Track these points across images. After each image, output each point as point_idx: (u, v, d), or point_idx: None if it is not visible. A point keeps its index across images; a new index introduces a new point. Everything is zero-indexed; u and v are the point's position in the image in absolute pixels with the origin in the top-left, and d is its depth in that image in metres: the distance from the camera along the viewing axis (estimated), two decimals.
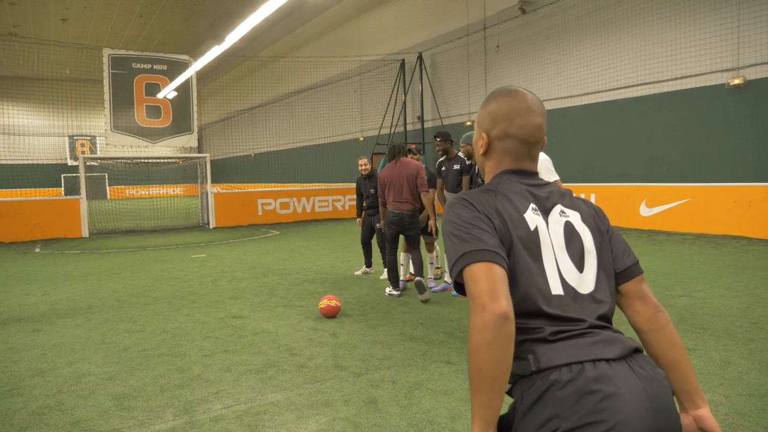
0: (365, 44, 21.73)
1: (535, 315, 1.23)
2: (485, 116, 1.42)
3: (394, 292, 6.43)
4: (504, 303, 1.13)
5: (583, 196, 13.00)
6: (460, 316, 5.49)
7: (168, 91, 16.10)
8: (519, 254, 1.26)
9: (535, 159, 1.42)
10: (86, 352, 4.65)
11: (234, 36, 17.94)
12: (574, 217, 1.36)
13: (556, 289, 1.26)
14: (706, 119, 11.25)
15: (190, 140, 16.34)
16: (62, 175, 36.78)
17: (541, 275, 1.26)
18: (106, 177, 32.89)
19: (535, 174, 1.41)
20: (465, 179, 6.14)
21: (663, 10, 11.94)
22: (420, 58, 19.00)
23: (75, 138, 37.50)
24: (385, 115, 19.74)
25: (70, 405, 3.55)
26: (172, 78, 15.95)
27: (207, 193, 16.11)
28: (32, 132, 29.89)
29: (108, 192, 32.77)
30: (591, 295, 1.29)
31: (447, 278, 6.66)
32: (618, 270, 1.39)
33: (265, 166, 27.46)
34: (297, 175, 24.24)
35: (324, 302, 5.56)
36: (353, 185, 18.47)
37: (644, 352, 1.27)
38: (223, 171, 29.82)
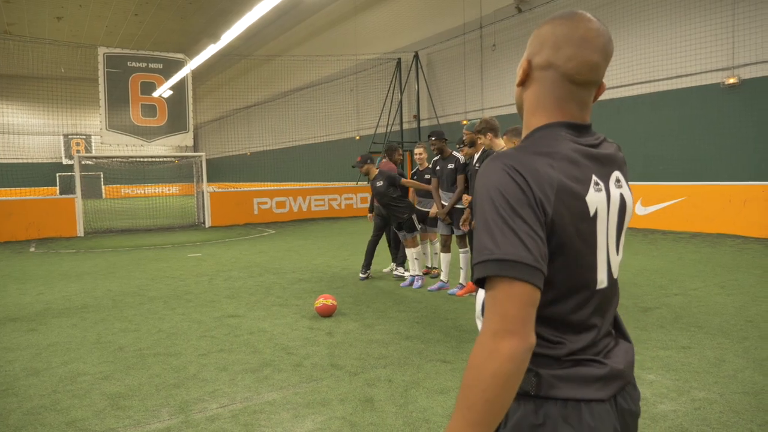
0: (361, 43, 21.71)
1: (574, 315, 1.09)
2: (534, 39, 1.15)
3: (362, 275, 7.32)
4: (533, 336, 0.98)
5: None
6: (456, 315, 5.50)
7: (163, 90, 16.05)
8: (570, 246, 1.05)
9: (585, 107, 1.13)
10: (81, 352, 4.64)
11: (230, 35, 17.90)
12: (625, 185, 1.17)
13: (602, 282, 1.11)
14: (702, 118, 11.28)
15: (186, 139, 16.30)
16: (57, 174, 36.64)
17: (590, 265, 1.09)
18: (102, 176, 32.78)
19: (589, 127, 1.14)
20: (460, 178, 6.15)
21: (658, 10, 11.97)
22: (416, 57, 19.00)
23: (70, 137, 37.37)
24: (381, 114, 19.74)
25: (66, 405, 3.54)
26: (167, 77, 15.90)
27: (203, 192, 16.08)
28: (27, 131, 29.78)
29: (103, 191, 32.63)
30: (617, 278, 1.17)
31: (443, 277, 6.66)
32: None
33: (261, 165, 27.42)
34: (293, 174, 24.22)
35: (320, 301, 5.56)
36: (350, 184, 18.46)
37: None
38: (219, 170, 29.77)
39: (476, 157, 5.79)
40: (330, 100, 22.93)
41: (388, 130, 19.52)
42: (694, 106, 11.40)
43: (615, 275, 1.16)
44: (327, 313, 5.52)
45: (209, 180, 16.68)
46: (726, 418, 3.08)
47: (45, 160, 34.93)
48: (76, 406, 3.51)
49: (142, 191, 35.20)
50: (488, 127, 5.33)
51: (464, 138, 6.03)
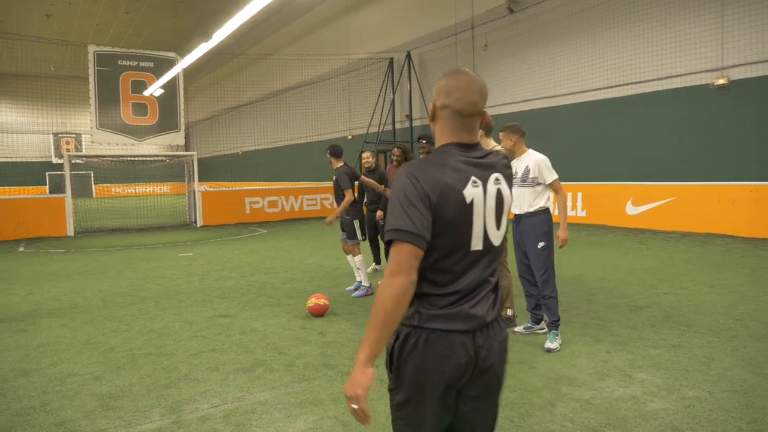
0: (354, 42, 21.69)
1: (449, 270, 1.62)
2: (435, 89, 1.71)
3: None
4: (414, 276, 1.55)
5: (570, 195, 13.13)
6: None
7: (155, 89, 15.95)
8: (450, 225, 1.59)
9: (472, 131, 1.68)
10: (71, 352, 4.61)
11: (221, 33, 17.82)
12: (503, 183, 1.70)
13: (476, 245, 1.64)
14: (691, 119, 11.37)
15: (177, 138, 16.21)
16: (47, 173, 36.32)
17: (466, 237, 1.63)
18: (92, 175, 32.53)
19: (475, 145, 1.68)
20: None
21: (649, 11, 12.05)
22: (408, 56, 19.01)
23: (60, 135, 37.06)
24: (373, 113, 19.73)
25: (55, 405, 3.52)
26: (158, 75, 15.80)
27: (194, 192, 16.01)
28: (16, 129, 29.48)
29: (94, 190, 32.38)
30: (500, 245, 1.71)
31: None
32: None
33: (253, 165, 27.32)
34: (285, 174, 24.16)
35: (312, 301, 5.55)
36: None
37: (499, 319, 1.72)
38: (211, 169, 29.62)
39: None
40: (322, 99, 22.88)
41: (380, 130, 19.52)
42: (684, 106, 11.48)
43: (495, 243, 1.69)
44: (319, 313, 5.51)
45: (201, 179, 16.60)
46: (715, 416, 3.11)
47: (34, 159, 34.59)
48: (66, 407, 3.49)
49: (133, 190, 34.95)
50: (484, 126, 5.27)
51: None
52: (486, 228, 1.65)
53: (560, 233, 4.55)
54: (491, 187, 1.65)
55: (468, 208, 1.60)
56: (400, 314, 1.54)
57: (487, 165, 1.68)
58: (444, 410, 1.65)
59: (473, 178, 1.62)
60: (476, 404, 1.69)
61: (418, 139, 6.51)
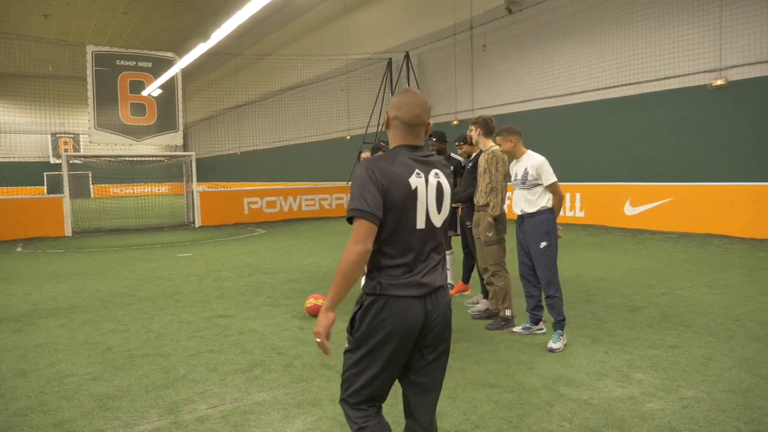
0: (352, 43, 21.69)
1: (398, 247, 2.02)
2: (390, 104, 2.15)
3: None
4: (370, 245, 1.95)
5: (568, 195, 13.13)
6: None
7: (153, 89, 15.93)
8: (398, 209, 1.99)
9: (418, 136, 2.12)
10: (69, 353, 4.60)
11: (220, 33, 17.81)
12: (442, 177, 2.12)
13: (420, 224, 2.04)
14: (690, 119, 11.39)
15: (176, 138, 16.19)
16: (45, 174, 36.26)
17: (412, 216, 2.02)
18: (90, 175, 32.46)
19: (420, 147, 2.12)
20: (457, 180, 6.15)
21: (647, 12, 12.07)
22: (407, 57, 19.01)
23: (58, 136, 37.00)
24: (372, 114, 19.73)
25: (53, 406, 3.51)
26: (157, 75, 15.78)
27: (192, 192, 15.99)
28: (14, 129, 29.42)
29: (92, 190, 32.34)
30: (441, 227, 2.12)
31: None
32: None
33: (252, 165, 27.30)
34: (283, 174, 24.15)
35: (310, 301, 5.55)
36: (340, 184, 18.43)
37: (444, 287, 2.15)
38: (209, 169, 29.57)
39: (471, 156, 5.78)
40: (321, 99, 22.88)
41: (379, 130, 19.52)
42: (682, 107, 11.50)
43: (436, 224, 2.09)
44: (317, 313, 5.50)
45: (199, 179, 16.59)
46: (713, 416, 3.11)
47: (32, 159, 34.55)
48: (64, 408, 3.48)
49: (131, 191, 34.90)
50: (479, 121, 5.23)
51: (467, 135, 5.98)
52: (428, 211, 2.05)
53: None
54: (432, 179, 2.07)
55: (413, 194, 2.01)
56: (356, 275, 1.95)
57: (428, 162, 2.11)
58: (398, 358, 2.05)
59: (417, 170, 2.04)
60: (430, 354, 2.11)
61: (429, 136, 6.41)
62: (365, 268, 2.05)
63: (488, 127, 5.21)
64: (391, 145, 2.14)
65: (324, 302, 2.03)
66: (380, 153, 7.20)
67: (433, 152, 2.22)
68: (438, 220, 2.09)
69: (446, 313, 2.13)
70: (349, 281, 1.96)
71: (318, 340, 2.05)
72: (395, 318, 2.00)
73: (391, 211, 1.99)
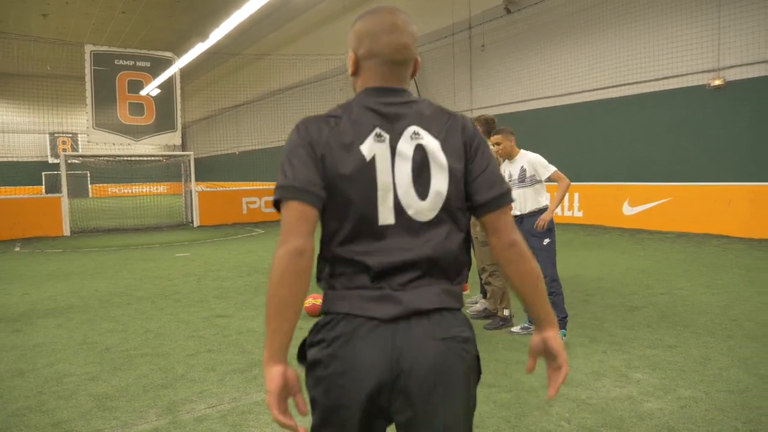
0: None
1: (354, 243, 1.28)
2: (352, 35, 1.39)
3: None
4: (304, 240, 1.21)
5: (567, 195, 13.16)
6: None
7: (151, 89, 15.92)
8: (341, 189, 1.26)
9: (404, 78, 1.38)
10: (67, 353, 4.59)
11: (218, 33, 17.80)
12: (428, 138, 1.30)
13: (387, 219, 1.27)
14: (688, 119, 11.40)
15: (174, 138, 16.18)
16: (43, 173, 36.21)
17: (368, 205, 1.26)
18: (88, 175, 32.42)
19: (399, 91, 1.35)
20: None
21: (645, 12, 12.08)
22: None
23: (56, 135, 36.94)
24: None
25: (51, 406, 3.51)
26: (155, 75, 15.77)
27: (191, 192, 15.98)
28: (12, 129, 29.34)
29: (90, 190, 32.30)
30: (429, 224, 1.30)
31: None
32: (478, 202, 1.33)
33: (250, 165, 27.28)
34: None
35: (309, 301, 5.55)
36: None
37: (442, 312, 1.29)
38: (208, 169, 29.56)
39: None
40: (319, 99, 22.85)
41: None
42: (680, 107, 11.51)
43: (419, 218, 1.29)
44: (316, 313, 5.50)
45: (197, 179, 16.57)
46: (711, 416, 3.12)
47: (30, 159, 34.45)
48: (62, 408, 3.48)
49: (130, 190, 34.83)
50: (479, 120, 5.29)
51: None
52: (398, 196, 1.27)
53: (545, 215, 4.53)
54: (405, 144, 1.28)
55: (369, 167, 1.26)
56: (290, 292, 1.21)
57: (403, 115, 1.31)
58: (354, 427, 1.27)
59: (377, 129, 1.28)
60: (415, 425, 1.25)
61: None
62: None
63: (488, 126, 5.26)
64: (359, 88, 1.40)
65: (265, 349, 1.25)
66: None
67: (414, 99, 1.37)
68: (423, 212, 1.28)
69: (441, 356, 1.25)
70: (282, 305, 1.21)
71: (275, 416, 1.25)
72: (345, 358, 1.23)
73: (334, 190, 1.26)
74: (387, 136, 1.28)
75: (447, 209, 1.30)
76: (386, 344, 1.22)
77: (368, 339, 1.23)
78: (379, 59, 1.34)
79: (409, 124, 1.30)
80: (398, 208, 1.28)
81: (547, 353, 1.40)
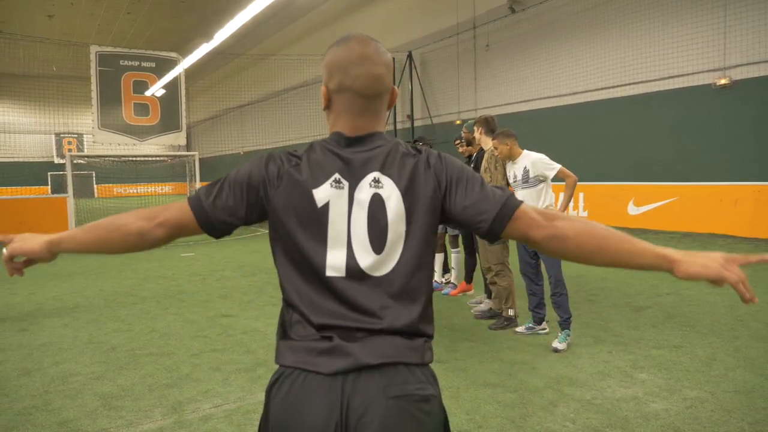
0: None
1: (302, 296, 1.23)
2: (323, 68, 1.30)
3: None
4: (155, 227, 1.28)
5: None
6: (449, 314, 5.51)
7: (156, 89, 15.96)
8: (290, 229, 1.22)
9: (377, 114, 1.28)
10: (73, 352, 4.61)
11: (223, 34, 17.84)
12: (390, 187, 1.21)
13: (338, 270, 1.20)
14: (693, 119, 11.35)
15: (179, 138, 16.22)
16: (49, 173, 36.34)
17: (317, 253, 1.21)
18: (94, 175, 32.55)
19: (368, 138, 1.26)
20: None
21: (651, 11, 12.04)
22: (410, 56, 19.00)
23: (62, 136, 37.07)
24: None
25: (57, 405, 3.52)
26: (160, 75, 15.81)
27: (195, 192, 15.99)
28: (18, 129, 29.50)
29: (95, 190, 32.44)
30: (387, 276, 1.20)
31: (437, 277, 6.67)
32: (483, 231, 1.23)
33: None
34: None
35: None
36: None
37: (398, 366, 1.18)
38: (212, 169, 29.62)
39: (473, 156, 5.79)
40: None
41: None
42: (686, 106, 11.46)
43: (373, 272, 1.20)
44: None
45: (202, 179, 16.61)
46: (717, 416, 3.11)
47: (36, 159, 34.63)
48: (68, 407, 3.49)
49: (135, 190, 35.00)
50: (480, 120, 5.30)
51: (462, 136, 6.05)
52: (352, 246, 1.20)
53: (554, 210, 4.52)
54: (363, 192, 1.21)
55: (317, 214, 1.20)
56: (113, 239, 1.28)
57: (365, 162, 1.22)
58: None
59: (336, 175, 1.21)
60: None
61: (414, 141, 6.50)
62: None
63: (489, 126, 5.27)
64: (332, 128, 1.32)
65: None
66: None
67: (379, 144, 1.27)
68: (376, 266, 1.20)
69: (393, 414, 1.13)
70: (102, 239, 1.28)
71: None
72: (285, 407, 1.17)
73: (278, 230, 1.25)
74: (346, 183, 1.21)
75: (398, 270, 1.21)
76: (334, 401, 1.13)
77: (314, 395, 1.14)
78: (351, 93, 1.24)
79: (372, 171, 1.22)
80: (351, 260, 1.20)
81: (697, 272, 1.22)
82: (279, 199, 1.23)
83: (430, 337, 1.25)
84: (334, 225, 1.20)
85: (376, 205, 1.21)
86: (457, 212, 1.23)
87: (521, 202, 1.24)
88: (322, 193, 1.20)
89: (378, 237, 1.20)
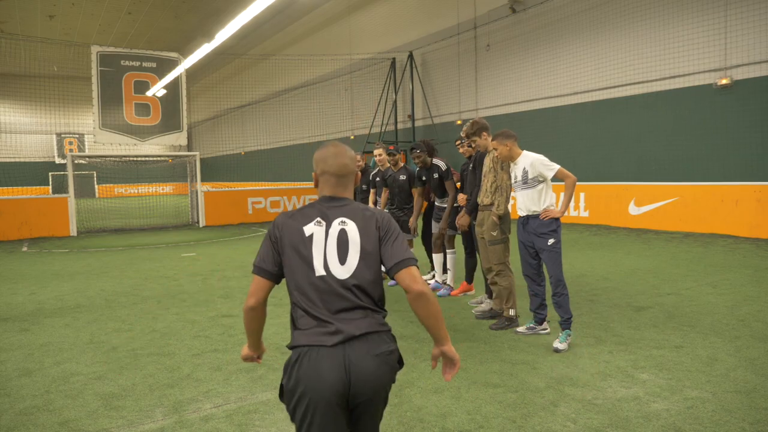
0: (356, 43, 21.71)
1: (302, 293, 1.91)
2: (314, 161, 2.09)
3: None
4: (252, 300, 1.98)
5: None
6: (450, 315, 5.51)
7: (157, 89, 15.98)
8: (290, 254, 1.95)
9: (346, 186, 2.06)
10: (74, 352, 4.62)
11: (224, 34, 17.80)
12: (350, 226, 1.96)
13: (320, 271, 1.90)
14: (694, 119, 11.35)
15: (180, 138, 16.24)
16: (50, 173, 36.41)
17: (310, 263, 1.92)
18: (95, 175, 32.62)
19: (340, 199, 2.03)
20: (448, 184, 6.24)
21: (652, 11, 12.03)
22: (411, 56, 19.01)
23: (63, 136, 37.16)
24: (375, 113, 19.74)
25: (58, 405, 3.53)
26: (161, 76, 15.83)
27: (197, 192, 16.03)
28: (19, 129, 29.59)
29: (96, 190, 32.46)
30: (348, 279, 1.91)
31: (437, 277, 6.67)
32: (387, 267, 1.94)
33: (256, 165, 27.36)
34: (287, 174, 24.18)
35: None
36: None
37: (370, 335, 1.87)
38: (213, 169, 29.67)
39: (472, 157, 5.79)
40: (324, 99, 22.90)
41: (383, 130, 19.52)
42: (687, 106, 11.46)
43: (339, 276, 1.90)
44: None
45: (203, 179, 16.63)
46: (718, 416, 3.10)
47: (37, 159, 34.70)
48: (69, 407, 3.50)
49: (136, 190, 35.05)
50: (481, 126, 5.33)
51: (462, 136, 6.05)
52: (327, 259, 1.92)
53: (554, 209, 4.52)
54: (335, 227, 1.95)
55: (306, 240, 1.94)
56: (250, 326, 2.07)
57: (337, 211, 2.00)
58: (326, 423, 1.81)
59: (318, 218, 1.97)
60: (361, 411, 1.89)
61: (411, 149, 6.50)
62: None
63: (486, 127, 5.29)
64: (319, 195, 2.09)
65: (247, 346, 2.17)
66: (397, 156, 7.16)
67: (346, 203, 2.06)
68: (343, 272, 1.90)
69: (377, 364, 1.85)
70: (248, 330, 2.09)
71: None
72: (307, 372, 1.80)
73: (284, 254, 1.96)
74: (324, 223, 1.96)
75: (357, 271, 1.92)
76: (339, 362, 1.81)
77: (326, 361, 1.81)
78: (328, 174, 2.04)
79: (340, 216, 1.98)
80: (326, 268, 1.91)
81: (445, 358, 2.00)
82: (284, 235, 1.98)
83: (386, 311, 2.00)
84: (317, 244, 1.93)
85: (341, 234, 1.95)
86: (382, 249, 1.96)
87: (414, 261, 1.93)
88: (308, 229, 1.96)
89: (342, 251, 1.93)
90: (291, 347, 1.88)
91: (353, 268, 1.92)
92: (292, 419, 1.87)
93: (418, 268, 1.94)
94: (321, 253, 1.92)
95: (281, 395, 1.91)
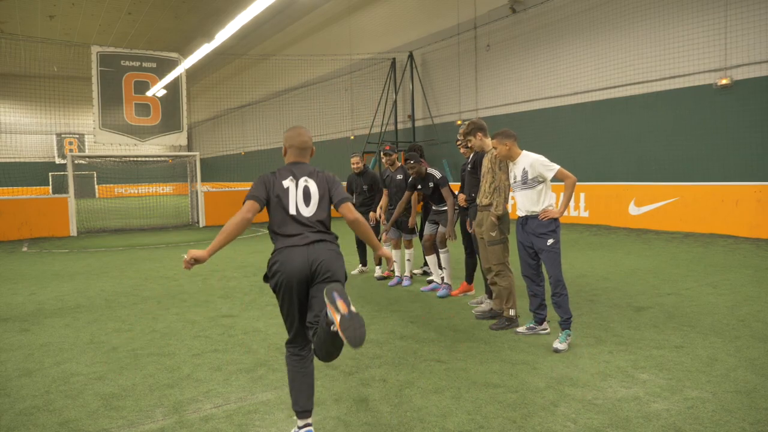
0: (356, 43, 21.71)
1: (282, 224, 2.91)
2: (284, 138, 3.13)
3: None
4: (249, 215, 2.86)
5: (572, 195, 13.12)
6: (450, 314, 5.51)
7: (157, 89, 15.98)
8: (276, 199, 2.93)
9: (305, 155, 3.10)
10: (74, 352, 4.62)
11: (224, 34, 17.81)
12: (311, 183, 2.99)
13: (293, 211, 2.91)
14: (694, 119, 11.35)
15: (180, 138, 16.24)
16: (50, 174, 36.41)
17: (286, 207, 2.92)
18: (95, 175, 32.62)
19: (302, 163, 3.07)
20: (445, 191, 6.31)
21: (652, 11, 12.03)
22: (411, 57, 19.01)
23: (63, 136, 37.15)
24: (375, 113, 19.74)
25: (59, 405, 3.53)
26: (161, 76, 15.83)
27: (197, 192, 16.03)
28: (19, 130, 29.55)
29: (96, 190, 32.45)
30: (310, 217, 2.94)
31: (436, 278, 6.67)
32: (333, 202, 3.01)
33: (256, 165, 27.34)
34: None
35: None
36: (343, 183, 18.43)
37: (323, 241, 2.92)
38: (213, 169, 29.68)
39: (470, 158, 5.79)
40: (324, 99, 22.90)
41: (383, 130, 19.52)
42: (687, 107, 11.46)
43: (305, 214, 2.94)
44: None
45: (203, 179, 16.63)
46: (718, 417, 3.10)
47: (38, 160, 34.69)
48: (69, 407, 3.50)
49: (136, 191, 35.04)
50: (476, 127, 5.35)
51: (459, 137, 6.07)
52: (297, 204, 2.93)
53: (553, 209, 4.52)
54: (301, 183, 2.97)
55: (285, 191, 2.94)
56: (235, 233, 2.83)
57: (301, 173, 3.00)
58: (296, 292, 2.83)
59: (291, 177, 2.97)
60: (319, 285, 2.83)
61: (406, 160, 6.50)
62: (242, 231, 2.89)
63: (481, 127, 5.31)
64: (286, 162, 3.09)
65: (207, 250, 2.75)
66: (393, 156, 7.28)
67: (316, 169, 3.05)
68: (306, 212, 2.93)
69: (328, 253, 2.86)
70: (229, 237, 2.80)
71: (184, 256, 2.74)
72: (283, 260, 2.81)
73: (272, 199, 2.92)
74: (295, 180, 2.97)
75: (317, 212, 2.97)
76: (305, 254, 2.83)
77: (297, 254, 2.83)
78: (294, 147, 3.09)
79: (303, 175, 3.00)
80: (296, 209, 2.93)
81: (384, 257, 3.31)
82: (272, 187, 2.96)
83: (334, 234, 3.04)
84: (291, 194, 2.95)
85: (305, 188, 2.98)
86: (331, 192, 3.04)
87: (349, 199, 3.04)
88: (286, 183, 2.96)
89: (307, 200, 2.96)
90: (275, 250, 2.88)
91: (314, 209, 2.96)
92: (274, 291, 2.86)
93: (353, 203, 3.11)
94: (294, 200, 2.94)
95: (265, 279, 2.91)
